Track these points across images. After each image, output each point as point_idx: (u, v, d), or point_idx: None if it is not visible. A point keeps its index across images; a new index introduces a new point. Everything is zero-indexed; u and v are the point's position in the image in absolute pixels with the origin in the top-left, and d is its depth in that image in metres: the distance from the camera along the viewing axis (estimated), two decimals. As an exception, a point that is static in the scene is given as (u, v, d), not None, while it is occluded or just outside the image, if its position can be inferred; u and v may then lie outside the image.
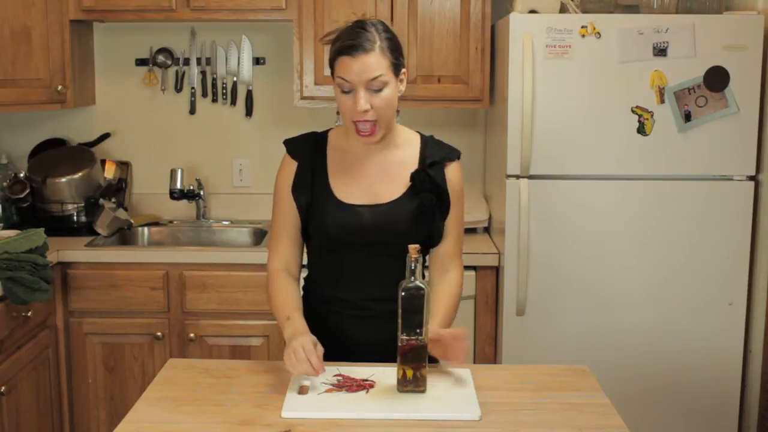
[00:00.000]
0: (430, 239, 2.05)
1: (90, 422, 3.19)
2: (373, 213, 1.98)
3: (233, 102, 3.67)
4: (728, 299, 2.97)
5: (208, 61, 3.65)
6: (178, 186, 3.51)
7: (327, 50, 1.97)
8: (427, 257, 2.08)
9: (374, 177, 2.01)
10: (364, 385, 1.83)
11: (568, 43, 2.87)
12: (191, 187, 3.56)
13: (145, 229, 3.57)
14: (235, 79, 3.66)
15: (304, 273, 2.15)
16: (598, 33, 2.87)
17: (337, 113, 1.99)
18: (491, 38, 3.25)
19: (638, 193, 2.94)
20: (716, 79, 2.86)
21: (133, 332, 3.14)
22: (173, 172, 3.52)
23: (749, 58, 2.86)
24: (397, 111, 2.00)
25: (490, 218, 3.41)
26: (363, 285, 2.02)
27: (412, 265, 1.77)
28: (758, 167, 2.92)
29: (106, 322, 3.13)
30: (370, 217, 1.98)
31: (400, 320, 1.78)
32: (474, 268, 3.08)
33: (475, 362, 3.12)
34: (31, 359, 2.87)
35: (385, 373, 1.87)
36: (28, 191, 3.33)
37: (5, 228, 3.12)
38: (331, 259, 2.04)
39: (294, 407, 1.73)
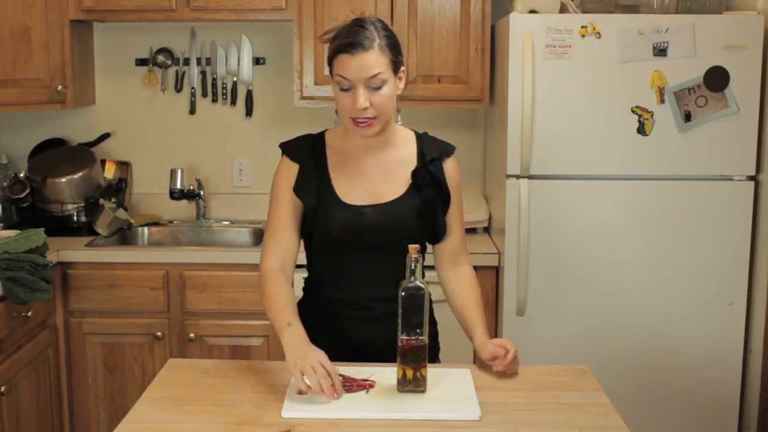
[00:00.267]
0: (434, 236, 2.06)
1: (90, 422, 3.19)
2: (376, 212, 1.98)
3: (233, 102, 3.67)
4: (728, 299, 2.97)
5: (208, 61, 3.65)
6: (178, 186, 3.51)
7: (326, 49, 1.97)
8: (428, 255, 2.07)
9: (375, 176, 2.01)
10: (364, 385, 1.83)
11: (568, 43, 2.87)
12: (191, 187, 3.56)
13: (145, 229, 3.57)
14: (235, 79, 3.65)
15: (304, 274, 2.14)
16: (598, 33, 2.87)
17: (336, 112, 1.98)
18: (491, 38, 3.25)
19: (638, 193, 2.94)
20: (716, 79, 2.86)
21: (133, 332, 3.14)
22: (173, 172, 3.52)
23: (749, 58, 2.86)
24: (398, 110, 2.00)
25: (490, 218, 3.41)
26: (366, 285, 2.02)
27: (412, 265, 1.77)
28: (758, 167, 2.92)
29: (106, 322, 3.14)
30: (374, 216, 1.98)
31: (400, 320, 1.78)
32: (474, 268, 3.06)
33: (474, 362, 3.11)
34: (31, 359, 2.87)
35: (385, 373, 1.87)
36: (28, 191, 3.33)
37: (5, 228, 3.12)
38: (334, 259, 2.03)
39: (294, 407, 1.73)
